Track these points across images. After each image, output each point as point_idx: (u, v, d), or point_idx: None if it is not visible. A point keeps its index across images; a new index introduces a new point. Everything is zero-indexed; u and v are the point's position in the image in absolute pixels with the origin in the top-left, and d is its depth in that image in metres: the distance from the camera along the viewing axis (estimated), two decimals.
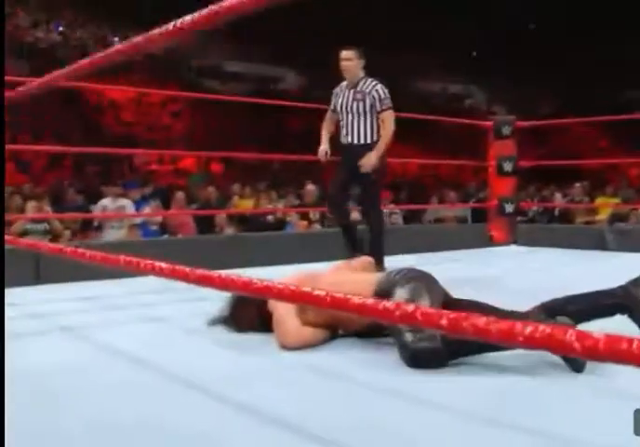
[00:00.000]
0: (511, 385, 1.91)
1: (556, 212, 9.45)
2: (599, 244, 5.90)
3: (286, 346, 2.32)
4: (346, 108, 4.49)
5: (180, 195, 7.82)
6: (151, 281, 3.64)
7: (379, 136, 4.44)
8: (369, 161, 4.33)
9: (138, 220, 7.58)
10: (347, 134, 4.51)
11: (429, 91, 27.15)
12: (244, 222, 7.92)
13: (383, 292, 2.25)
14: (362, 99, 4.42)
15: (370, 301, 0.91)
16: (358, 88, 4.46)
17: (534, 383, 1.92)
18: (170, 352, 2.34)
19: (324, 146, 4.58)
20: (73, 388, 1.92)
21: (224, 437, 1.53)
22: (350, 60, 4.45)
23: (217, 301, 2.59)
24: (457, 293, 2.40)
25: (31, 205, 6.59)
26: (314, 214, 7.57)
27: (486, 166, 6.49)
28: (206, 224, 7.37)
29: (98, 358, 2.30)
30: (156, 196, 8.34)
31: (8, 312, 3.17)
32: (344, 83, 4.56)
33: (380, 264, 4.14)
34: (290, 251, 5.19)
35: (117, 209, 7.26)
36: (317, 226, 7.49)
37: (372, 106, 4.42)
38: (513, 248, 6.30)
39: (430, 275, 2.38)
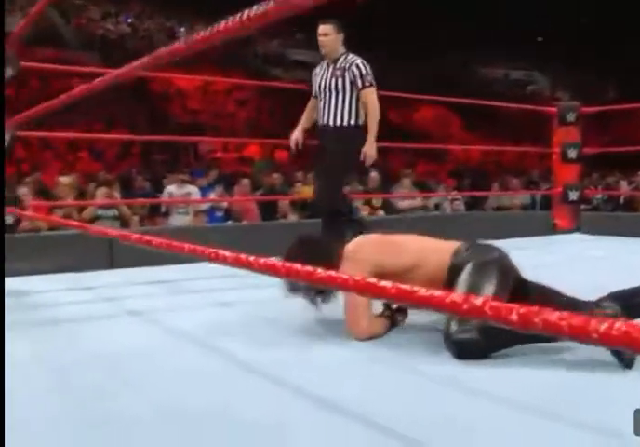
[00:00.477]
0: (566, 377, 1.86)
1: (621, 200, 9.23)
2: None
3: (354, 337, 2.29)
4: (324, 87, 4.08)
5: (244, 181, 7.87)
6: (219, 266, 3.70)
7: (357, 119, 4.04)
8: (370, 152, 3.98)
9: (203, 206, 7.67)
10: (323, 115, 4.11)
11: (491, 78, 26.77)
12: (306, 208, 7.93)
13: (456, 268, 2.24)
14: (341, 75, 4.01)
15: (438, 293, 0.88)
16: (337, 65, 4.04)
17: (590, 376, 1.86)
18: (237, 338, 2.35)
19: (296, 134, 4.23)
20: (142, 373, 1.94)
21: (289, 425, 1.52)
22: (327, 34, 4.06)
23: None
24: None
25: (101, 191, 6.70)
26: (377, 201, 7.55)
27: (549, 153, 6.35)
28: (269, 211, 7.41)
29: (166, 342, 2.32)
30: (221, 183, 8.40)
31: (83, 295, 3.26)
32: (324, 61, 4.15)
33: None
34: None
35: (183, 196, 7.35)
36: (380, 213, 7.46)
37: (352, 84, 4.01)
38: (577, 235, 6.16)
39: (505, 255, 2.33)
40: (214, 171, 9.54)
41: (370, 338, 2.29)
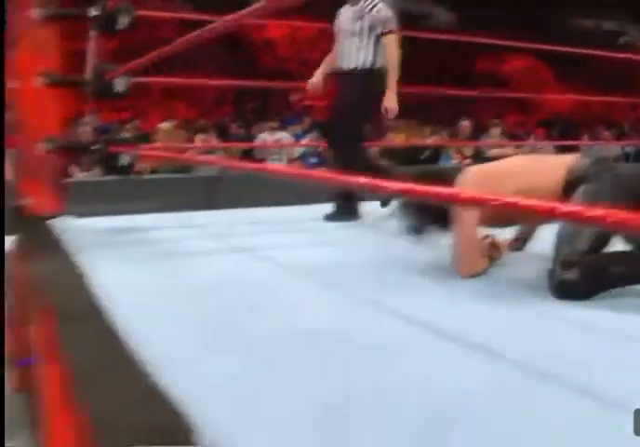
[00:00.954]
0: None
1: None
2: None
3: (460, 274, 2.35)
4: (342, 29, 3.82)
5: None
6: (319, 208, 3.83)
7: (374, 63, 3.74)
8: (390, 104, 3.71)
9: (297, 153, 7.79)
10: (339, 58, 3.83)
11: (582, 28, 25.86)
12: (396, 156, 7.97)
13: (570, 183, 2.21)
14: (360, 17, 3.72)
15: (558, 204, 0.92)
16: (358, 6, 3.75)
17: None
18: (351, 273, 2.44)
19: (314, 79, 3.96)
20: (267, 299, 2.06)
21: (409, 349, 1.61)
22: None
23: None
24: None
25: (199, 137, 6.89)
26: (468, 149, 7.54)
27: None
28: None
29: (284, 275, 2.43)
30: (315, 130, 8.50)
31: (193, 232, 3.42)
32: (347, 3, 3.85)
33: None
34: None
35: (275, 142, 7.48)
36: (469, 161, 7.46)
37: (371, 28, 3.71)
38: None
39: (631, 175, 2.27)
40: (308, 119, 9.63)
41: (473, 276, 2.36)
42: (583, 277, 2.03)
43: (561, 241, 2.12)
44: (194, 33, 2.59)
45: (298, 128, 8.38)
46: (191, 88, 15.13)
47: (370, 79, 3.76)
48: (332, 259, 2.71)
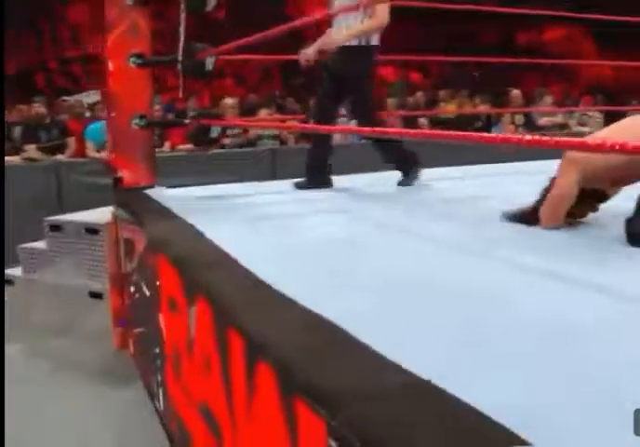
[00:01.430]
0: None
1: None
2: None
3: (544, 224, 2.53)
4: (336, 6, 3.68)
5: (389, 101, 8.16)
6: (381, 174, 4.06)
7: (363, 40, 3.62)
8: (307, 51, 3.69)
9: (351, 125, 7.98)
10: (331, 34, 3.74)
11: None
12: (448, 125, 8.13)
13: None
14: None
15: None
16: None
17: None
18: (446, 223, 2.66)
19: (308, 49, 3.77)
20: (377, 249, 2.28)
21: (512, 291, 1.76)
22: None
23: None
24: None
25: (262, 112, 7.12)
26: (520, 118, 7.67)
27: None
28: (412, 128, 7.68)
29: (369, 232, 2.66)
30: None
31: (278, 198, 3.64)
32: None
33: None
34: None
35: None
36: (521, 130, 7.59)
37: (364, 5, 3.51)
38: None
39: None
40: None
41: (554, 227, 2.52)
42: None
43: None
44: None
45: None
46: (237, 64, 15.36)
47: (360, 56, 3.68)
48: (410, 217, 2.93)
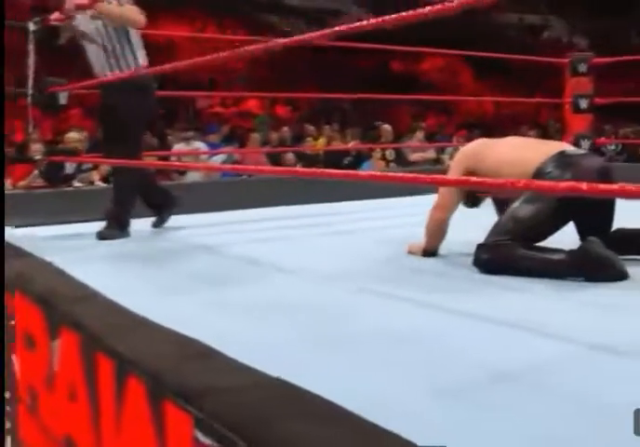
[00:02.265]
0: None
1: None
2: None
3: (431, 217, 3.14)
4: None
5: (254, 136, 8.59)
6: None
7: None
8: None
9: (214, 162, 8.33)
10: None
11: (504, 23, 27.13)
12: (315, 162, 8.58)
13: (539, 171, 2.85)
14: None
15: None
16: None
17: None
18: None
19: None
20: (216, 283, 2.66)
21: (449, 335, 2.22)
22: None
23: None
24: None
25: None
26: (391, 153, 8.24)
27: (562, 103, 7.01)
28: (278, 165, 8.10)
29: (226, 263, 3.03)
30: (232, 140, 9.08)
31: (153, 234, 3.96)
32: None
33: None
34: (366, 188, 5.45)
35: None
36: (393, 165, 8.15)
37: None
38: None
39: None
40: (225, 127, 10.18)
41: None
42: (493, 259, 2.75)
43: (496, 224, 2.87)
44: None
45: (215, 137, 8.96)
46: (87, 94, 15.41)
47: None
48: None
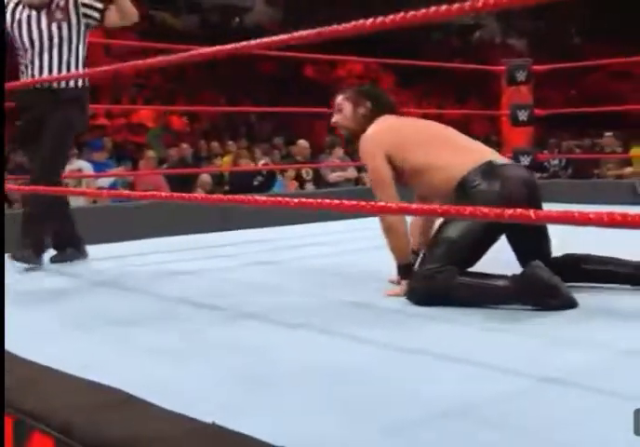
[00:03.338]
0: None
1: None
2: (630, 199, 6.46)
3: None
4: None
5: (149, 153, 8.49)
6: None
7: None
8: None
9: (102, 184, 8.18)
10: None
11: (430, 24, 27.59)
12: (221, 182, 8.52)
13: (460, 191, 3.01)
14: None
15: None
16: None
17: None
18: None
19: None
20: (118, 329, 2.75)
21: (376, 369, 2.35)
22: None
23: None
24: None
25: None
26: (307, 173, 8.30)
27: (498, 115, 7.24)
28: (182, 187, 7.89)
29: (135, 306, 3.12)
30: (121, 158, 8.99)
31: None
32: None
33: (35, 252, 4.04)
34: (285, 213, 5.42)
35: (74, 173, 7.84)
36: (310, 187, 8.22)
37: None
38: None
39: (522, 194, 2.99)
40: (107, 142, 9.96)
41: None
42: (429, 291, 2.89)
43: (426, 254, 3.03)
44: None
45: (101, 155, 8.81)
46: None
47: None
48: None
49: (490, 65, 8.10)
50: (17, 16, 4.12)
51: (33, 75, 4.10)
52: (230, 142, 10.12)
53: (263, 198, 2.21)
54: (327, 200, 1.89)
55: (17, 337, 2.27)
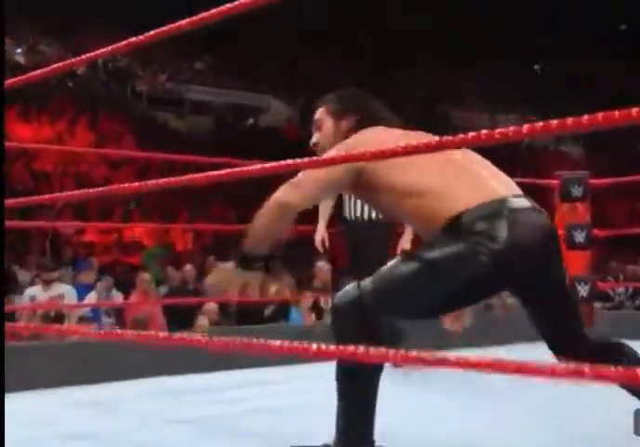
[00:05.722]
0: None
1: None
2: None
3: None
4: None
5: (144, 276, 8.33)
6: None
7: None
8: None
9: (85, 312, 8.03)
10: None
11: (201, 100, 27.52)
12: (229, 313, 8.32)
13: (448, 232, 2.69)
14: None
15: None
16: None
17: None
18: None
19: (321, 232, 5.65)
20: None
21: None
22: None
23: None
24: None
25: None
26: (327, 302, 7.75)
27: None
28: (182, 317, 7.80)
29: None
30: (110, 280, 8.90)
31: None
32: None
33: None
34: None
35: (52, 300, 7.65)
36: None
37: None
38: None
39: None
40: (93, 260, 9.75)
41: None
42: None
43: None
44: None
45: (88, 277, 8.69)
46: None
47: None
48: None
49: (542, 176, 8.01)
50: None
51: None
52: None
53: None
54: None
55: None
